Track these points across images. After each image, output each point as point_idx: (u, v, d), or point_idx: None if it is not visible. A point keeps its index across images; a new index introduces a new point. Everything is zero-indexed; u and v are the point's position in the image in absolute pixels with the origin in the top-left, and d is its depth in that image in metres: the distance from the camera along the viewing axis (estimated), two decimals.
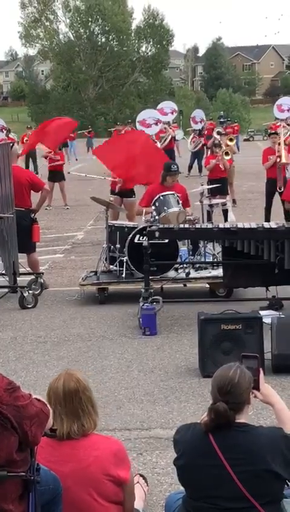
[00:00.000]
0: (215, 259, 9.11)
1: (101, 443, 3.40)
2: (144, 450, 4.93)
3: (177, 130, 26.32)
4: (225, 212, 13.22)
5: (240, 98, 67.86)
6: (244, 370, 3.16)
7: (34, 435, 2.88)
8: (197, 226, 8.27)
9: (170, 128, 22.83)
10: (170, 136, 22.16)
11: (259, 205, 14.79)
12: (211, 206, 10.91)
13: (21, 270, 9.06)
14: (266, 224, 7.91)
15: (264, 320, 6.32)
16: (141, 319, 7.58)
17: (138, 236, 8.74)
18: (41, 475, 3.02)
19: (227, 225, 8.28)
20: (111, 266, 9.08)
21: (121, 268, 8.86)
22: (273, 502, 3.08)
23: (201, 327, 6.23)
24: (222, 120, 26.73)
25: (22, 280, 9.02)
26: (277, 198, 13.03)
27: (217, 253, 9.12)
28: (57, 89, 71.54)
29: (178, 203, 8.96)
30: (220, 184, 12.99)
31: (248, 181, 20.49)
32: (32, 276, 9.20)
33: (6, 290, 8.87)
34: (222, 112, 38.29)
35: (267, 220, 12.35)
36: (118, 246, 8.95)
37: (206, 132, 24.70)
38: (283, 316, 6.88)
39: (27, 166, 22.82)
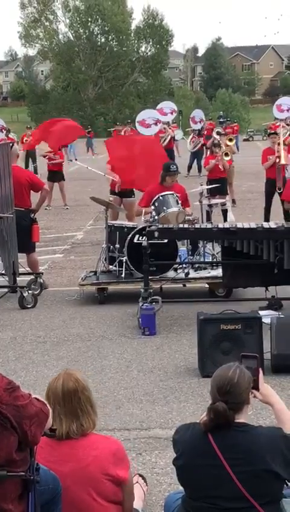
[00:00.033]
0: (215, 259, 9.11)
1: (100, 443, 3.41)
2: (143, 450, 4.94)
3: (176, 130, 26.32)
4: (225, 212, 13.22)
5: (239, 98, 67.86)
6: (243, 370, 3.17)
7: (33, 435, 2.88)
8: (197, 226, 8.27)
9: (170, 128, 22.83)
10: (169, 136, 22.17)
11: (258, 205, 14.79)
12: (210, 206, 10.92)
13: (21, 270, 9.06)
14: (266, 224, 7.91)
15: (263, 320, 6.33)
16: (140, 319, 7.59)
17: (137, 236, 8.74)
18: (41, 475, 3.02)
19: (226, 225, 8.28)
20: (110, 266, 9.08)
21: (120, 268, 8.86)
22: (272, 501, 3.08)
23: (200, 327, 6.23)
24: (221, 120, 26.75)
25: (22, 280, 9.02)
26: (276, 198, 13.03)
27: (217, 253, 9.12)
28: (57, 89, 71.57)
29: (177, 203, 8.97)
30: (220, 184, 13.00)
31: (248, 181, 20.49)
32: (32, 276, 9.20)
33: (5, 290, 8.87)
34: (221, 112, 38.32)
35: (267, 220, 12.35)
36: (117, 246, 8.95)
37: (205, 132, 24.70)
38: (282, 316, 6.88)
39: (27, 167, 22.83)
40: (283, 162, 13.02)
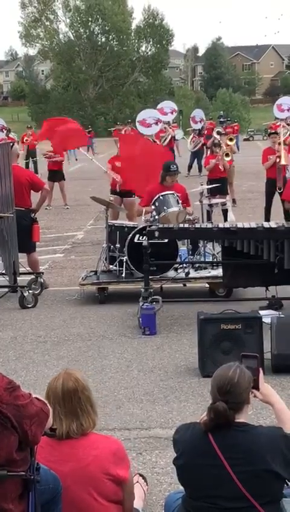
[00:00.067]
0: (215, 259, 9.11)
1: (101, 442, 3.41)
2: (143, 449, 4.94)
3: (177, 129, 26.32)
4: (225, 212, 13.22)
5: (239, 98, 67.82)
6: (243, 370, 3.17)
7: (34, 434, 2.88)
8: (197, 225, 8.27)
9: (170, 128, 22.84)
10: (169, 136, 22.19)
11: (259, 205, 14.79)
12: (210, 205, 10.92)
13: (21, 269, 9.06)
14: (266, 224, 7.91)
15: (263, 320, 6.33)
16: (140, 319, 7.59)
17: (137, 236, 8.75)
18: (41, 474, 3.03)
19: (227, 225, 8.28)
20: (111, 266, 9.08)
21: (120, 268, 8.87)
22: (273, 501, 3.09)
23: (201, 327, 6.23)
24: (221, 120, 26.75)
25: (22, 280, 9.03)
26: (276, 198, 13.03)
27: (217, 253, 9.13)
28: (57, 89, 71.52)
29: (178, 203, 8.97)
30: (220, 184, 13.00)
31: (248, 181, 20.49)
32: (32, 276, 9.20)
33: (6, 289, 8.87)
34: (221, 112, 38.32)
35: (267, 219, 12.35)
36: (117, 245, 8.96)
37: (206, 132, 24.70)
38: (282, 315, 6.89)
39: (27, 166, 22.84)
40: (283, 162, 13.02)
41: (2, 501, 2.85)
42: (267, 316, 6.86)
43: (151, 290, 7.83)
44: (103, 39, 70.55)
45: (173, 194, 9.04)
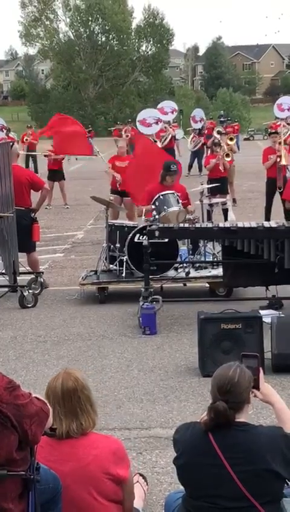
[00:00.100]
0: (215, 259, 9.11)
1: (100, 442, 3.41)
2: (143, 449, 4.94)
3: (177, 129, 26.31)
4: (225, 212, 13.22)
5: (240, 98, 67.77)
6: (244, 369, 3.16)
7: (34, 434, 2.88)
8: (197, 225, 8.27)
9: (170, 127, 22.84)
10: (170, 136, 22.18)
11: (259, 204, 14.79)
12: (211, 205, 10.92)
13: (21, 269, 9.06)
14: (266, 224, 7.91)
15: (264, 319, 6.32)
16: (140, 318, 7.59)
17: (137, 235, 8.75)
18: (41, 474, 3.03)
19: (227, 224, 8.28)
20: (111, 265, 9.08)
21: (121, 268, 8.87)
22: (273, 501, 3.08)
23: (201, 326, 6.23)
24: (222, 119, 26.78)
25: (22, 279, 9.03)
26: (277, 198, 13.03)
27: (217, 253, 9.12)
28: (57, 88, 71.49)
29: (178, 203, 8.96)
30: (220, 183, 13.00)
31: (248, 180, 20.49)
32: (32, 276, 9.20)
33: (6, 289, 8.87)
34: (222, 111, 38.34)
35: (268, 219, 12.34)
36: (118, 245, 8.95)
37: (206, 131, 24.70)
38: (282, 315, 6.88)
39: (27, 166, 22.83)
40: (283, 162, 13.01)
41: (1, 500, 2.85)
42: (268, 315, 6.86)
43: (152, 290, 7.83)
44: (103, 38, 70.51)
45: (173, 193, 9.04)
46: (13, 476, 2.87)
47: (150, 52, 71.30)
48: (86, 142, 13.07)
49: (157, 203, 8.92)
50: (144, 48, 71.99)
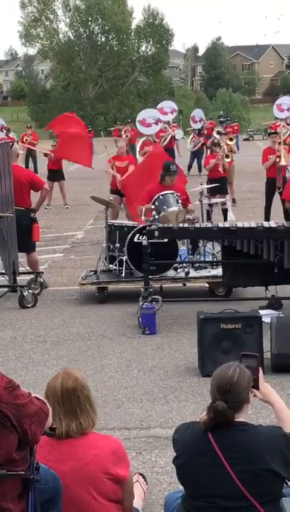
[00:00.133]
0: (215, 259, 9.11)
1: (100, 442, 3.41)
2: (143, 449, 4.94)
3: (177, 129, 26.31)
4: (225, 212, 13.23)
5: (239, 98, 67.74)
6: (243, 369, 3.17)
7: (33, 434, 2.88)
8: (197, 225, 8.27)
9: (170, 127, 22.84)
10: (169, 136, 22.18)
11: (259, 204, 14.79)
12: (210, 205, 10.92)
13: (21, 269, 9.06)
14: (266, 224, 7.91)
15: (263, 319, 6.33)
16: (140, 318, 7.59)
17: (137, 235, 8.75)
18: (41, 473, 3.03)
19: (227, 224, 8.28)
20: (111, 265, 9.08)
21: (120, 268, 8.87)
22: (272, 501, 3.09)
23: (200, 326, 6.23)
24: (221, 120, 26.78)
25: (22, 279, 9.03)
26: (276, 198, 13.03)
27: (217, 253, 9.13)
28: (57, 89, 71.46)
29: (177, 203, 8.96)
30: (220, 183, 13.00)
31: (248, 180, 20.49)
32: (32, 276, 9.20)
33: (6, 289, 8.87)
34: (221, 112, 38.33)
35: (267, 219, 12.34)
36: (117, 245, 8.96)
37: (206, 132, 24.70)
38: (282, 315, 6.89)
39: (27, 166, 22.83)
40: (283, 163, 13.02)
41: (1, 500, 2.85)
42: (267, 315, 6.86)
43: (151, 290, 7.83)
44: (103, 39, 70.50)
45: (172, 193, 9.04)
46: (13, 476, 2.87)
47: (149, 53, 71.27)
48: (88, 153, 12.85)
49: (156, 203, 8.92)
50: (143, 48, 72.00)
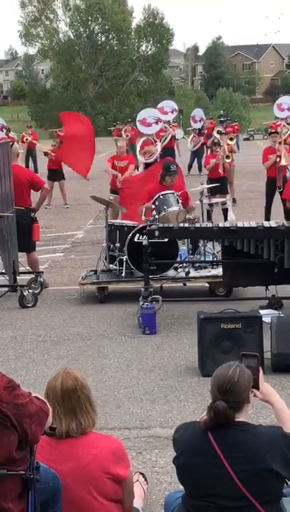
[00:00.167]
0: (215, 259, 9.11)
1: (100, 441, 3.41)
2: (143, 449, 4.94)
3: (177, 129, 26.32)
4: (225, 211, 13.22)
5: (240, 97, 67.75)
6: (243, 369, 3.16)
7: (33, 433, 2.88)
8: (197, 225, 8.27)
9: (170, 127, 22.82)
10: (170, 135, 22.16)
11: (259, 204, 14.79)
12: (211, 205, 10.92)
13: (21, 269, 9.06)
14: (266, 223, 7.91)
15: (263, 319, 6.32)
16: (140, 318, 7.59)
17: (137, 235, 8.75)
18: (41, 473, 3.03)
19: (227, 224, 8.28)
20: (111, 265, 9.08)
21: (120, 268, 8.87)
22: (272, 500, 3.08)
23: (201, 326, 6.23)
24: (222, 119, 26.72)
25: (22, 279, 9.03)
26: (277, 198, 13.03)
27: (217, 253, 9.12)
28: (57, 88, 71.45)
29: (178, 202, 8.96)
30: (220, 183, 12.99)
31: (248, 180, 20.49)
32: (32, 275, 9.21)
33: (6, 289, 8.87)
34: (222, 111, 38.26)
35: (267, 219, 12.34)
36: (117, 245, 8.95)
37: (206, 131, 24.70)
38: (282, 315, 6.89)
39: (27, 166, 22.83)
40: (283, 163, 13.01)
41: (1, 500, 2.85)
42: (267, 315, 6.86)
43: (151, 290, 7.83)
44: (103, 38, 70.48)
45: (173, 193, 9.04)
46: (13, 476, 2.87)
47: (149, 52, 71.26)
48: (87, 164, 12.72)
49: (157, 203, 8.92)
50: (143, 47, 71.98)
